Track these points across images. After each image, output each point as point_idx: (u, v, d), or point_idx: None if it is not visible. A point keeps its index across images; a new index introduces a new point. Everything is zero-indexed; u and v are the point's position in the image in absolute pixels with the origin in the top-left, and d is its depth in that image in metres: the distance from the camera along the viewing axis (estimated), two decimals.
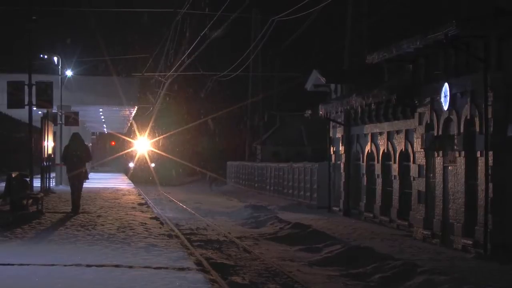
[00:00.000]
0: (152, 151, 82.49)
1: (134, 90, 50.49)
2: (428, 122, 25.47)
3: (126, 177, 74.89)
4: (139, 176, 76.10)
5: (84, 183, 27.92)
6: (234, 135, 77.95)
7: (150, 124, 79.18)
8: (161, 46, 53.66)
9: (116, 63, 58.49)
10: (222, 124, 79.31)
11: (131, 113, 61.38)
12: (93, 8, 58.76)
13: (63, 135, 45.24)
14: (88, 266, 14.79)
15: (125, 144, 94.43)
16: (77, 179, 26.92)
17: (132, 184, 56.38)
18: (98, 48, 65.65)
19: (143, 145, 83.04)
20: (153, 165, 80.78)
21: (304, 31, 53.50)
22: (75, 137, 27.43)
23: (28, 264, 14.81)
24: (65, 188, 31.48)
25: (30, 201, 26.07)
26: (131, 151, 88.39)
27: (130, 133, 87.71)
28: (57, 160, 42.95)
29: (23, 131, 68.39)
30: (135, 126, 79.98)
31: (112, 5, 57.36)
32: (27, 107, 29.73)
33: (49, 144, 35.26)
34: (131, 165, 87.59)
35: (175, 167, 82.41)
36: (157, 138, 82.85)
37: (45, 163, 35.42)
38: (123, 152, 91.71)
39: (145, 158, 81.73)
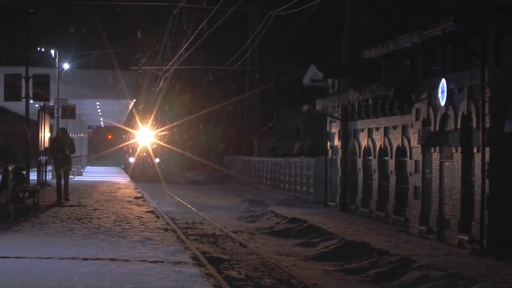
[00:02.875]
0: (156, 143, 73.51)
1: (131, 83, 50.46)
2: (425, 117, 25.48)
3: (123, 171, 73.68)
4: (142, 174, 67.18)
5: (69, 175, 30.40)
6: (234, 129, 77.44)
7: (153, 114, 72.49)
8: (159, 40, 53.64)
9: (113, 56, 58.35)
10: (221, 117, 78.59)
11: (128, 107, 61.34)
12: (90, 1, 58.65)
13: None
14: (84, 259, 14.79)
15: (124, 137, 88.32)
16: (64, 172, 28.58)
17: (128, 178, 56.28)
18: (95, 41, 65.60)
19: (145, 137, 73.09)
20: (157, 160, 71.28)
21: (302, 26, 53.49)
22: (61, 131, 29.24)
23: (24, 257, 14.81)
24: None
25: (27, 194, 26.06)
26: (131, 143, 77.59)
27: (130, 124, 79.42)
28: None
29: (20, 124, 68.33)
30: (136, 115, 72.29)
31: None
32: (24, 100, 29.69)
33: (45, 137, 35.23)
34: (132, 160, 74.51)
35: (181, 162, 73.94)
36: (163, 128, 74.06)
37: (41, 157, 35.39)
38: (122, 145, 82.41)
39: (148, 153, 71.55)
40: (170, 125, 72.99)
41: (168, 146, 71.46)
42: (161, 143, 72.94)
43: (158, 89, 64.00)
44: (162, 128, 74.13)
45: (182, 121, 71.86)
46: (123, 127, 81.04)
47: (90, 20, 65.52)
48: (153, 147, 72.36)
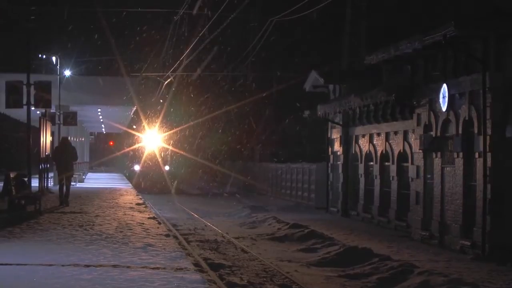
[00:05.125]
0: (166, 149, 65.58)
1: (133, 90, 50.45)
2: (427, 123, 25.49)
3: (125, 177, 72.73)
4: (149, 183, 59.72)
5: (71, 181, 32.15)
6: (238, 135, 76.67)
7: (161, 117, 65.01)
8: (160, 46, 53.66)
9: (115, 63, 58.36)
10: (224, 124, 77.72)
11: (130, 113, 61.22)
12: (90, 8, 58.72)
13: (61, 135, 45.22)
14: (86, 266, 14.77)
15: (127, 142, 79.92)
16: (66, 178, 30.08)
17: (130, 185, 56.17)
18: (96, 48, 65.59)
19: (152, 142, 64.74)
20: (167, 168, 63.30)
21: (302, 31, 53.56)
22: (64, 141, 31.21)
23: (26, 264, 14.79)
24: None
25: (28, 201, 26.05)
26: (136, 149, 68.86)
27: (134, 128, 72.24)
28: None
29: (22, 131, 68.29)
30: (142, 119, 64.02)
31: (111, 5, 57.32)
32: (25, 107, 29.69)
33: (47, 144, 35.22)
34: (137, 168, 65.51)
35: (193, 170, 68.22)
36: (173, 131, 66.30)
37: (43, 164, 35.36)
38: (125, 150, 74.98)
39: (156, 159, 63.13)
40: (182, 127, 66.67)
41: (180, 151, 64.58)
42: (172, 148, 65.85)
43: (161, 94, 63.18)
44: (172, 131, 67.14)
45: (189, 124, 67.81)
46: (127, 129, 74.30)
47: (91, 26, 65.54)
48: (161, 153, 65.28)
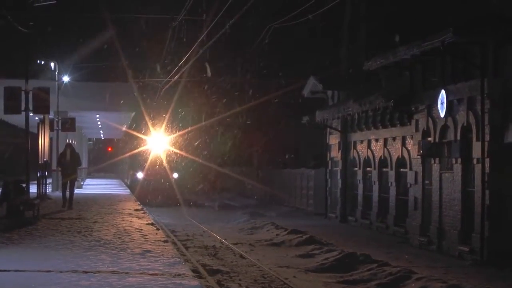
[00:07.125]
0: (174, 153, 57.54)
1: (131, 95, 50.47)
2: (425, 129, 25.50)
3: (123, 183, 72.70)
4: (155, 194, 51.94)
5: (75, 186, 33.62)
6: (237, 141, 76.15)
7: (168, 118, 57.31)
8: (159, 52, 53.60)
9: (114, 68, 58.33)
10: (226, 129, 77.10)
11: (128, 119, 61.08)
12: (90, 13, 58.73)
13: (60, 140, 45.25)
14: (84, 272, 14.75)
15: (127, 148, 78.59)
16: (70, 183, 31.84)
17: (129, 190, 56.03)
18: (95, 53, 65.54)
19: (158, 146, 56.14)
20: (176, 175, 54.65)
21: (301, 37, 53.59)
22: (68, 147, 32.84)
23: (24, 270, 14.78)
24: (61, 194, 32.49)
25: (27, 207, 26.04)
26: (139, 153, 59.27)
27: (136, 131, 63.01)
28: (53, 166, 43.00)
29: (20, 137, 68.18)
30: (146, 119, 56.07)
31: (110, 10, 57.30)
32: (23, 113, 29.67)
33: (45, 150, 35.23)
34: (140, 175, 55.83)
35: (205, 178, 62.05)
36: (182, 133, 59.10)
37: (41, 170, 35.38)
38: (126, 155, 67.69)
39: (162, 165, 54.51)
40: (192, 127, 59.73)
41: (191, 156, 57.40)
42: (181, 152, 57.82)
43: (160, 99, 62.42)
44: (181, 133, 59.60)
45: (190, 129, 63.67)
46: (128, 130, 66.62)
47: (90, 32, 65.52)
48: (169, 158, 56.98)
